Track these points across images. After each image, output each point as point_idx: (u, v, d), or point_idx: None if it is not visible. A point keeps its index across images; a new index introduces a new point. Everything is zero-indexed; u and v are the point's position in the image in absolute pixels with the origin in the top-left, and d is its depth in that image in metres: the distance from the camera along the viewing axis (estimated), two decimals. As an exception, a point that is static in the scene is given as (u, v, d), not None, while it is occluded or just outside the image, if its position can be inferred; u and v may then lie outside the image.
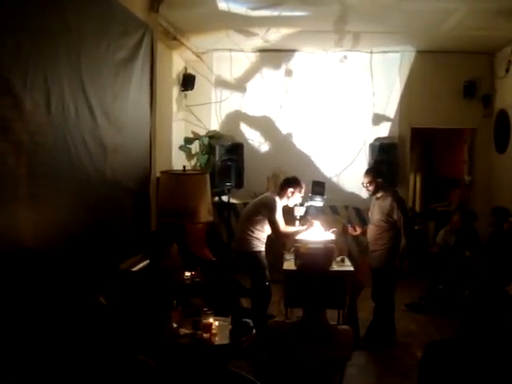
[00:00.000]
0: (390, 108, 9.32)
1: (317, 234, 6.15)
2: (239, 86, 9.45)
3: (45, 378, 3.10)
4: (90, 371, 3.17)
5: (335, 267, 5.92)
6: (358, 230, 6.47)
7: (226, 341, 4.14)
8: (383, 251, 6.17)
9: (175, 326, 4.26)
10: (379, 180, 6.23)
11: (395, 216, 6.05)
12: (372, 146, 9.07)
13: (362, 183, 6.31)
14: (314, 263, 3.61)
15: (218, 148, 8.80)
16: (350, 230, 6.44)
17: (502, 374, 2.58)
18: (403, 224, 6.05)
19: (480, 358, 2.61)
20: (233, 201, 9.02)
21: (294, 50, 9.25)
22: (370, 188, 6.25)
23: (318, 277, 3.30)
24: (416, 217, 10.93)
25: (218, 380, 3.07)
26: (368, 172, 6.37)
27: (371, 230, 6.31)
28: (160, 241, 4.82)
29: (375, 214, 6.25)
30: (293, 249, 6.15)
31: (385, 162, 8.65)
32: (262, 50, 9.24)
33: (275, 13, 7.03)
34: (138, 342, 3.70)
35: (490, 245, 7.27)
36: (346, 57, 9.27)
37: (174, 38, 7.88)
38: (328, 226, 6.33)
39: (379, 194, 6.23)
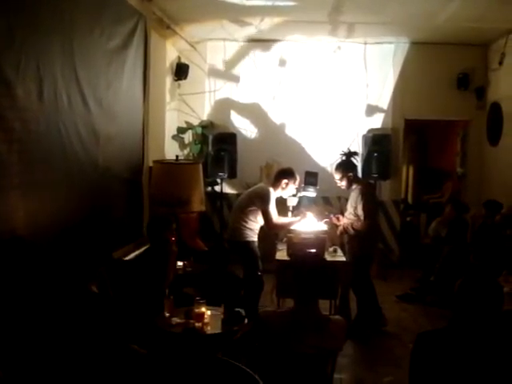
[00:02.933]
0: (384, 99, 9.31)
1: (309, 225, 6.15)
2: (233, 75, 9.42)
3: (36, 367, 3.10)
4: (81, 360, 3.17)
5: (328, 258, 5.91)
6: (342, 221, 6.30)
7: (218, 330, 4.15)
8: (351, 245, 6.18)
9: (167, 315, 4.26)
10: (350, 174, 6.18)
11: (358, 210, 6.02)
12: (365, 137, 9.06)
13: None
14: (308, 253, 3.62)
15: (210, 138, 8.77)
16: (334, 220, 6.36)
17: (493, 363, 2.60)
18: (363, 212, 5.95)
19: (471, 347, 2.63)
20: (225, 191, 9.02)
21: (287, 41, 9.21)
22: (343, 183, 6.20)
23: (312, 267, 3.30)
24: (409, 208, 10.96)
25: (210, 369, 3.07)
26: (337, 168, 6.28)
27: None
28: (160, 225, 4.92)
29: (348, 207, 6.26)
30: (285, 239, 6.16)
31: (378, 153, 8.71)
32: (255, 40, 9.20)
33: (269, 2, 6.99)
34: (131, 331, 3.70)
35: (477, 236, 7.32)
36: (339, 47, 9.25)
37: (168, 27, 7.84)
38: (320, 216, 6.33)
39: (353, 187, 6.19)
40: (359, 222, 6.01)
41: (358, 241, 6.08)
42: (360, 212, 5.98)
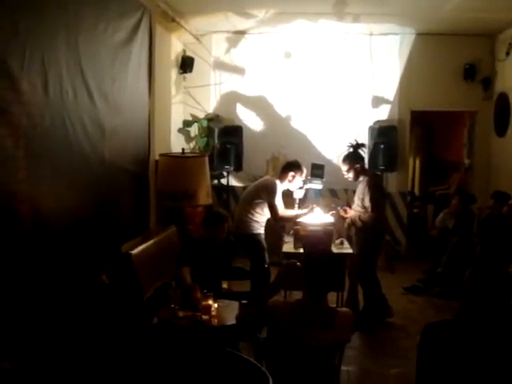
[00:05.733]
0: (390, 91, 9.27)
1: (316, 217, 6.14)
2: (238, 68, 9.40)
3: (48, 356, 3.12)
4: (90, 350, 3.19)
5: (334, 250, 5.90)
6: (349, 213, 6.26)
7: (226, 323, 4.15)
8: (358, 237, 6.16)
9: (173, 307, 4.27)
10: (357, 166, 6.16)
11: (366, 202, 6.00)
12: (371, 129, 9.02)
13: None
14: (318, 247, 3.61)
15: (216, 131, 8.77)
16: (341, 212, 6.34)
17: (501, 354, 2.59)
18: (371, 204, 5.92)
19: (480, 339, 2.62)
20: (232, 183, 9.02)
21: (293, 32, 9.17)
22: (350, 175, 6.19)
23: (321, 262, 3.30)
24: (415, 200, 10.95)
25: (218, 361, 3.08)
26: (344, 159, 6.27)
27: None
28: (211, 220, 5.22)
29: (355, 199, 6.24)
30: (292, 231, 6.15)
31: (384, 144, 8.68)
32: (260, 32, 9.17)
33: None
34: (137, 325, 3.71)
35: (484, 227, 7.29)
36: (345, 39, 9.21)
37: (173, 20, 7.80)
38: (327, 208, 6.32)
39: (361, 178, 6.18)
40: (366, 214, 5.99)
41: (365, 233, 6.06)
42: (367, 204, 5.97)
